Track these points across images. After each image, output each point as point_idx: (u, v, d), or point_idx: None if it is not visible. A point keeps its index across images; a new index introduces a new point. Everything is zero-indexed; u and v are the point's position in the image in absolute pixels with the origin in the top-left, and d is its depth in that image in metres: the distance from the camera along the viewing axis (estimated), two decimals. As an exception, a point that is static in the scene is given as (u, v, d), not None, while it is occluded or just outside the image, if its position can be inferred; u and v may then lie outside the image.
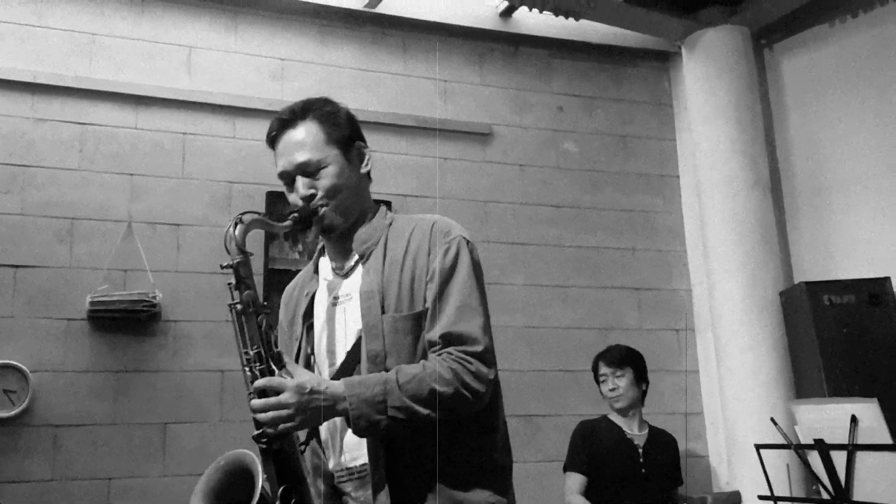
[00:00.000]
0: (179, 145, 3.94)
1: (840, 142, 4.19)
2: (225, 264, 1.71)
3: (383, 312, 1.73)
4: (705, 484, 4.26)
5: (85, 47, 3.89)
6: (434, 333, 1.70)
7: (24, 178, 3.68)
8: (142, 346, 3.67)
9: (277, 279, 3.90)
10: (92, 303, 3.60)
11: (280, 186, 4.22)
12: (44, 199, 3.69)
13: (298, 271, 3.80)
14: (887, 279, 3.80)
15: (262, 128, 4.03)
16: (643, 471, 3.51)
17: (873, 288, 3.80)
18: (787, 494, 3.15)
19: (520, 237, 4.39)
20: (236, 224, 1.73)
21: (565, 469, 3.58)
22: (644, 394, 3.67)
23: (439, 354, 1.68)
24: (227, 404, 3.72)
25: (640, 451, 3.56)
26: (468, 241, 1.80)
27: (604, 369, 3.65)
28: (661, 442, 3.65)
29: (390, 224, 1.86)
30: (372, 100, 4.29)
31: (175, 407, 3.66)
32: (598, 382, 3.71)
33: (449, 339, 1.69)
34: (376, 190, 4.45)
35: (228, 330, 3.77)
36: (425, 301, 1.73)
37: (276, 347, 1.69)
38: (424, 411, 1.63)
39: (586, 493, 3.51)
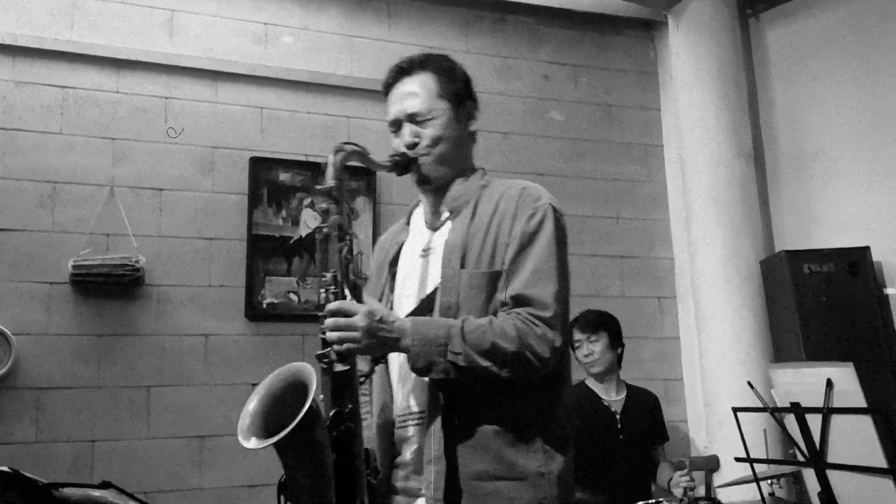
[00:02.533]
0: (161, 109, 3.91)
1: (823, 112, 4.21)
2: (320, 187, 1.76)
3: (462, 267, 1.77)
4: (684, 448, 4.33)
5: (66, 10, 3.83)
6: (506, 293, 1.73)
7: (4, 142, 3.65)
8: (125, 310, 3.67)
9: (261, 244, 3.90)
10: (74, 267, 3.59)
11: (263, 152, 4.25)
12: (25, 163, 3.66)
13: (282, 237, 3.93)
14: (867, 248, 3.84)
15: (244, 92, 4.08)
16: (621, 437, 3.56)
17: (853, 257, 3.84)
18: (763, 457, 3.21)
19: (503, 205, 4.39)
20: (338, 152, 1.77)
21: None
22: (620, 357, 3.69)
23: (508, 314, 1.71)
24: (211, 367, 3.73)
25: (618, 416, 3.60)
26: (556, 209, 1.83)
27: (578, 335, 3.66)
28: (640, 402, 3.68)
29: (484, 186, 1.90)
30: (355, 65, 4.26)
31: (158, 370, 3.67)
32: (573, 349, 3.73)
33: (519, 301, 1.71)
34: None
35: (211, 293, 3.83)
36: (504, 262, 1.76)
37: (353, 276, 1.75)
38: (484, 362, 1.66)
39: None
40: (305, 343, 3.82)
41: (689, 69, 4.41)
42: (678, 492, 3.25)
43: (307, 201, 4.01)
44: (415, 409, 1.79)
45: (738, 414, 2.93)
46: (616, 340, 3.67)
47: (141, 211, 3.78)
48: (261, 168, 3.96)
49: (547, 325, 1.69)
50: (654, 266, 4.60)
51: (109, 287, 3.64)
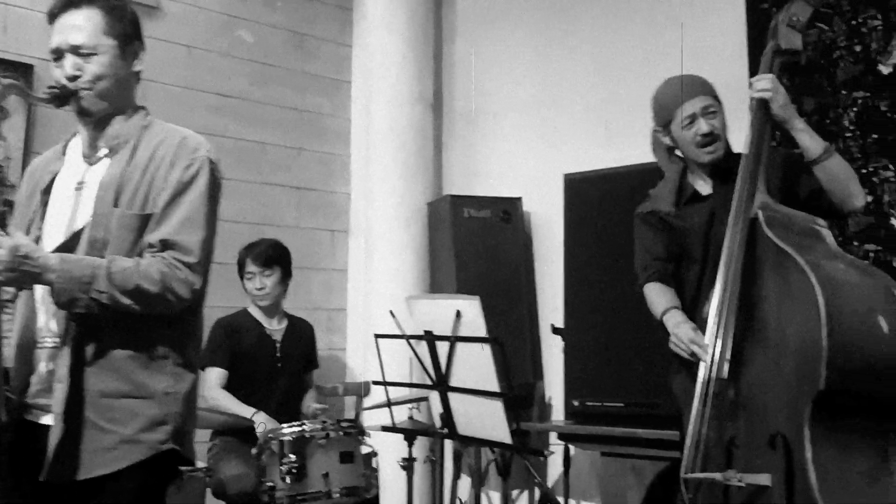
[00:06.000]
0: None
1: (498, 73, 4.50)
2: None
3: (115, 206, 1.86)
4: (341, 376, 4.53)
5: None
6: (154, 237, 1.85)
7: None
8: None
9: None
10: None
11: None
12: None
13: None
14: (519, 199, 4.23)
15: None
16: (279, 365, 3.66)
17: (507, 206, 4.20)
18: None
19: (181, 123, 4.09)
20: None
21: (204, 365, 3.58)
22: (286, 288, 3.77)
23: (154, 256, 1.84)
24: None
25: (278, 344, 3.69)
26: (213, 163, 1.94)
27: (251, 267, 3.67)
28: (298, 331, 3.81)
29: (146, 127, 1.97)
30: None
31: None
32: (242, 278, 3.72)
33: (166, 245, 1.85)
34: (18, 50, 3.98)
35: None
36: (156, 206, 1.87)
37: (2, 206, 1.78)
38: (126, 301, 1.79)
39: (229, 386, 3.56)
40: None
41: (381, 11, 4.50)
42: (310, 412, 3.43)
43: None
44: (54, 329, 1.88)
45: (383, 341, 3.10)
46: (287, 274, 3.75)
47: None
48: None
49: (190, 269, 1.84)
50: (331, 199, 4.69)
51: None
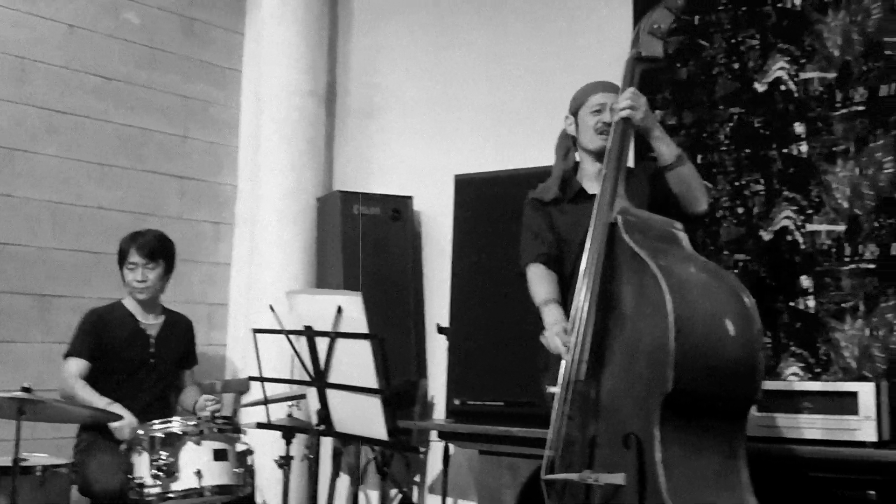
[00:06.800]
0: None
1: (394, 70, 4.48)
2: None
3: None
4: (220, 372, 4.43)
5: None
6: None
7: None
8: None
9: None
10: None
11: None
12: None
13: None
14: (410, 198, 4.23)
15: None
16: (152, 361, 3.52)
17: (397, 204, 4.20)
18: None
19: (60, 104, 4.01)
20: None
21: (68, 354, 3.43)
22: (167, 282, 3.65)
23: None
24: None
25: (152, 340, 3.55)
26: None
27: (135, 258, 3.51)
28: (175, 327, 3.67)
29: None
30: None
31: None
32: (122, 267, 3.57)
33: None
34: None
35: None
36: None
37: None
38: None
39: (95, 379, 3.40)
40: None
41: (276, 1, 4.41)
42: (205, 415, 3.26)
43: None
44: None
45: (263, 337, 3.04)
46: (170, 269, 3.62)
47: None
48: None
49: None
50: (216, 190, 4.57)
51: None
